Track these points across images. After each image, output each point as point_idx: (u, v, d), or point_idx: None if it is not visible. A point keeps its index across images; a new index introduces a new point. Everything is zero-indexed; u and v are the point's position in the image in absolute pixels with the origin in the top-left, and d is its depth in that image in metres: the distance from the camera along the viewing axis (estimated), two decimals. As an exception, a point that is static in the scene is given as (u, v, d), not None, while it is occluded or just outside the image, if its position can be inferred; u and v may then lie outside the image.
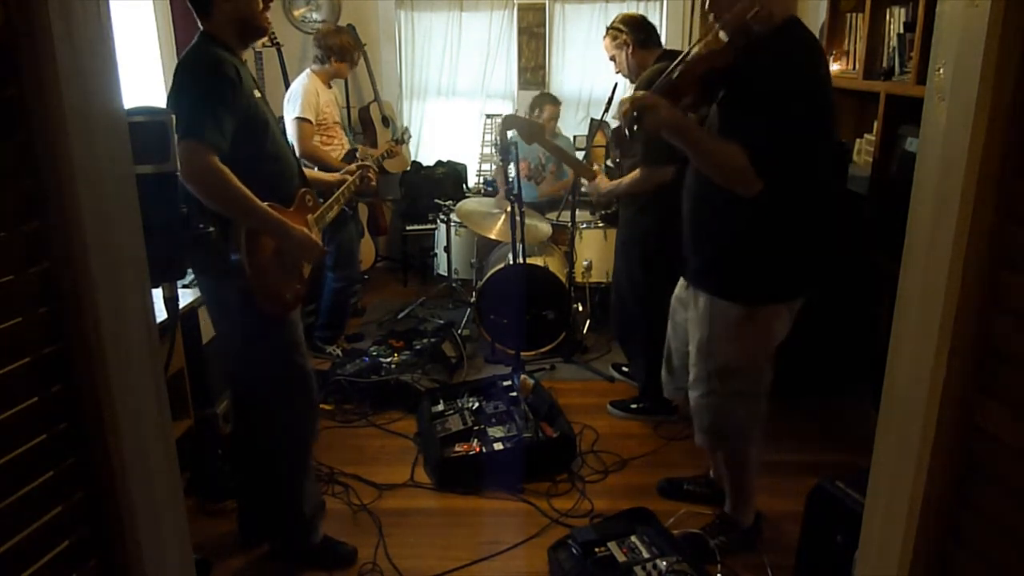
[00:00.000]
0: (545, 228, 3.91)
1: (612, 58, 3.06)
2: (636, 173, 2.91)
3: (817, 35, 3.77)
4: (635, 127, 1.81)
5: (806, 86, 1.85)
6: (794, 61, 1.85)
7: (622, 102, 1.91)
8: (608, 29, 3.03)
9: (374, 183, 2.53)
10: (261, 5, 2.00)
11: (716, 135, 1.94)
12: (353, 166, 2.56)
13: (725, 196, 1.91)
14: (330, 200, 2.30)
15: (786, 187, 1.87)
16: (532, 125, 3.20)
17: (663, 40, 3.51)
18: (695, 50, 1.90)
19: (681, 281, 2.32)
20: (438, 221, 4.52)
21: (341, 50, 3.72)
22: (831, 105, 1.97)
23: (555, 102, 4.45)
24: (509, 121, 3.15)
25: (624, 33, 2.97)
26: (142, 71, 3.73)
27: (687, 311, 2.23)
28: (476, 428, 2.94)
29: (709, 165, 1.92)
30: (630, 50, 2.97)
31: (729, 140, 1.87)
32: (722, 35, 1.90)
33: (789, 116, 1.81)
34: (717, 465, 2.49)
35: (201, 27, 1.98)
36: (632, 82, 3.06)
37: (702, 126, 2.04)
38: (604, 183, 3.13)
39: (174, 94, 1.89)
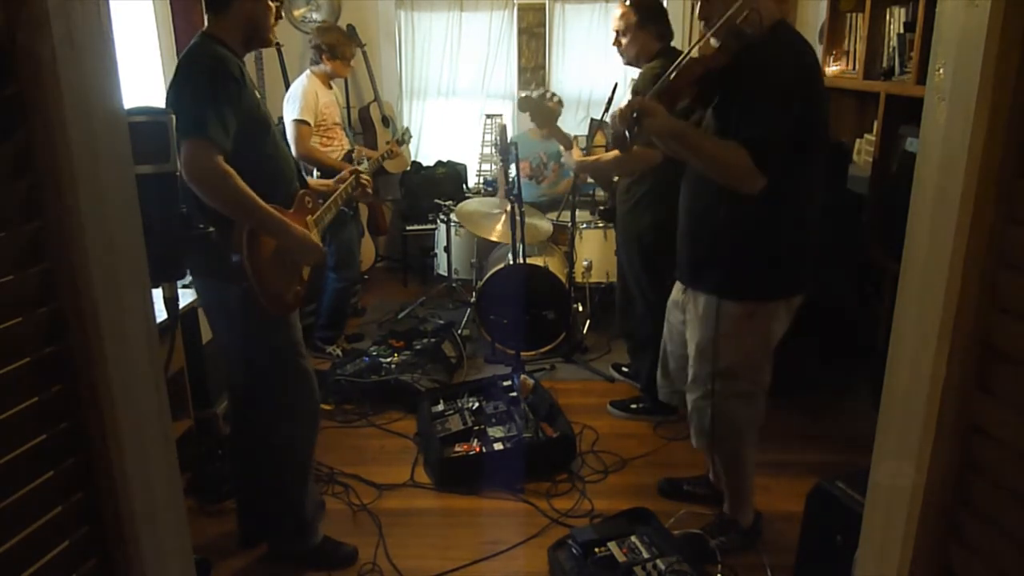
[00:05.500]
0: (545, 228, 3.91)
1: (617, 32, 2.97)
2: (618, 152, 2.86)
3: (817, 35, 3.79)
4: (635, 129, 1.83)
5: (801, 80, 1.88)
6: (787, 58, 1.90)
7: (620, 108, 1.92)
8: (626, 5, 2.92)
9: (369, 189, 2.41)
10: (273, 17, 2.02)
11: (714, 136, 1.95)
12: (346, 172, 2.42)
13: (723, 194, 1.93)
14: (327, 203, 2.27)
15: (784, 183, 1.89)
16: (546, 109, 3.20)
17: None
18: (690, 55, 1.93)
19: (677, 284, 2.31)
20: (438, 221, 4.52)
21: (331, 48, 3.70)
22: (825, 100, 2.01)
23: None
24: (524, 103, 3.15)
25: (637, 15, 2.88)
26: (142, 71, 3.72)
27: (683, 314, 2.24)
28: (476, 428, 2.94)
29: (711, 166, 1.94)
30: (639, 35, 2.89)
31: (727, 140, 1.88)
32: (713, 42, 1.94)
33: (786, 110, 1.84)
34: (715, 466, 2.49)
35: (207, 26, 1.97)
36: (626, 62, 3.03)
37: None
38: (577, 156, 3.07)
39: (175, 92, 1.88)
